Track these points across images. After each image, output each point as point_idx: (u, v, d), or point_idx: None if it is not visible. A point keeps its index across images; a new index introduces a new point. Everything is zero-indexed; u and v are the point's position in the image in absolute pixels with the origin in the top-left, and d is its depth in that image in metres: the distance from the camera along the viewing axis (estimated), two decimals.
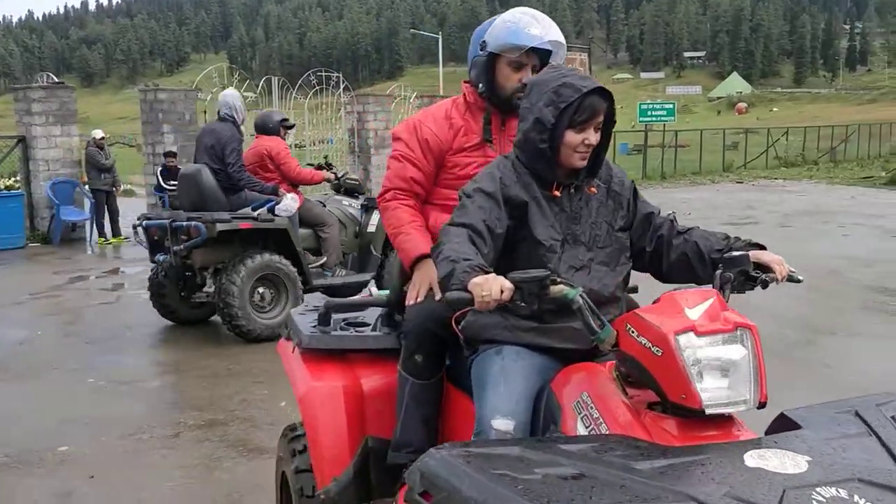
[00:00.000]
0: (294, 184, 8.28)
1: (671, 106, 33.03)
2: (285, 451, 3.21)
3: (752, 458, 1.74)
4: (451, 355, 2.81)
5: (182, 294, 8.15)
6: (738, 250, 2.49)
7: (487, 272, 2.15)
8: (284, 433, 3.30)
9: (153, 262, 8.02)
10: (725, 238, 2.59)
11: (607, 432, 2.04)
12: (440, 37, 67.69)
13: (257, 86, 18.78)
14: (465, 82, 3.10)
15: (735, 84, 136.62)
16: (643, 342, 2.03)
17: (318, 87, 18.94)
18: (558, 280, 2.17)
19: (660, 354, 1.98)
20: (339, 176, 8.92)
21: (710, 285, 2.40)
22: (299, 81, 18.92)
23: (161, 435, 5.27)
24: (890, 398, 2.05)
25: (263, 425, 5.40)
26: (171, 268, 7.79)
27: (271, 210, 7.68)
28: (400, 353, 2.85)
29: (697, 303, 2.05)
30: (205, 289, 7.76)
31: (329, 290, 7.93)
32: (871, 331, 7.63)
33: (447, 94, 23.44)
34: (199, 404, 5.88)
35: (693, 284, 2.48)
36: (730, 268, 2.41)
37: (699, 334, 1.97)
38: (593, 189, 2.56)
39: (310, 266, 7.91)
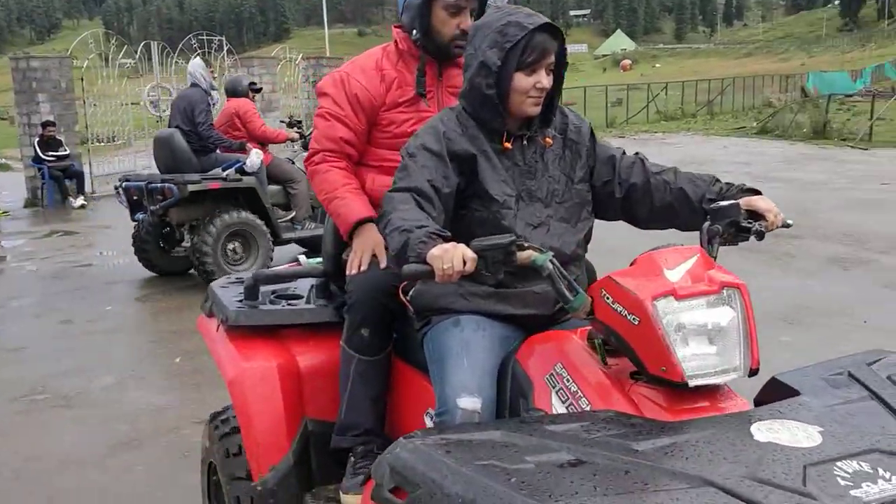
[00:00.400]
0: (262, 142, 8.77)
1: None
2: (217, 446, 2.86)
3: (760, 432, 1.57)
4: (398, 328, 2.57)
5: (163, 248, 8.80)
6: (730, 197, 2.26)
7: (446, 238, 1.94)
8: (212, 421, 2.96)
9: (133, 220, 8.56)
10: (715, 182, 2.36)
11: (589, 407, 1.86)
12: None
13: (136, 51, 17.86)
14: (397, 27, 2.81)
15: (620, 41, 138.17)
16: (618, 310, 1.85)
17: (200, 52, 18.17)
18: (525, 245, 1.96)
19: (636, 323, 1.80)
20: (306, 134, 9.18)
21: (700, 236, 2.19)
22: (180, 45, 18.14)
23: (55, 395, 5.34)
24: (878, 355, 1.92)
25: (158, 381, 5.55)
26: (151, 225, 8.44)
27: (240, 170, 8.12)
28: (339, 327, 2.60)
29: (678, 262, 1.87)
30: (183, 244, 8.54)
31: (301, 243, 8.60)
32: (749, 269, 7.76)
33: (334, 56, 22.83)
34: (90, 365, 5.89)
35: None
36: (718, 219, 2.16)
37: (679, 297, 1.80)
38: (549, 140, 2.34)
39: (280, 221, 8.45)
